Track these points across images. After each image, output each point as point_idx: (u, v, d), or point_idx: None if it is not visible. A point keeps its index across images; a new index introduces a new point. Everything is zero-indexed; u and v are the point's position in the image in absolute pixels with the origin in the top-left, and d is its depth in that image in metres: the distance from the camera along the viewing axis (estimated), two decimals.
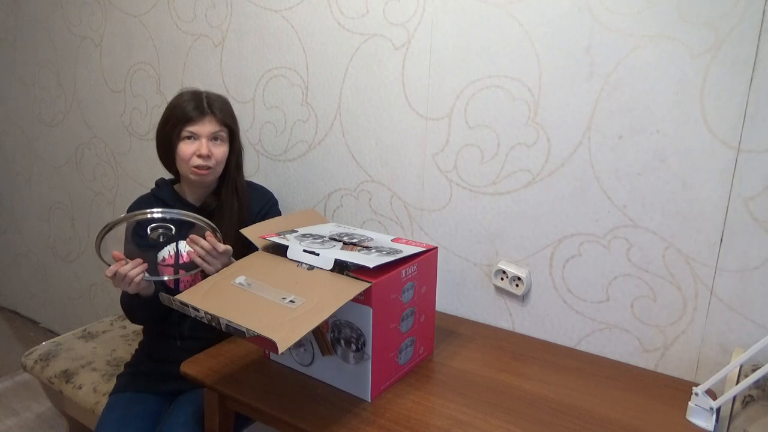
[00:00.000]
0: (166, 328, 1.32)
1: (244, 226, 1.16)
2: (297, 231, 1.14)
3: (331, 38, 1.42)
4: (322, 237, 1.10)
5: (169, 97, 1.29)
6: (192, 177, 1.25)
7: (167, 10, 1.74)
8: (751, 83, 0.95)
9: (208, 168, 1.24)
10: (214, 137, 1.24)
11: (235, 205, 1.30)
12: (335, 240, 1.09)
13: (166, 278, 1.23)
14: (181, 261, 1.27)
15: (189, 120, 1.22)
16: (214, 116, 1.24)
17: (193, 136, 1.23)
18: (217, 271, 1.12)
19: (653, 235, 1.08)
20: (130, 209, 1.32)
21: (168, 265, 1.27)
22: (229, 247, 1.14)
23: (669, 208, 1.06)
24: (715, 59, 0.98)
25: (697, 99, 1.00)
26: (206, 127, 1.23)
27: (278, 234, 1.10)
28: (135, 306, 1.22)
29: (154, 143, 1.29)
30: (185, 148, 1.23)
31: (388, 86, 1.35)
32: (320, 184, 1.53)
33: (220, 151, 1.25)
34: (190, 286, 1.27)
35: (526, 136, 1.19)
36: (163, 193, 1.32)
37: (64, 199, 2.32)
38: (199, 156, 1.22)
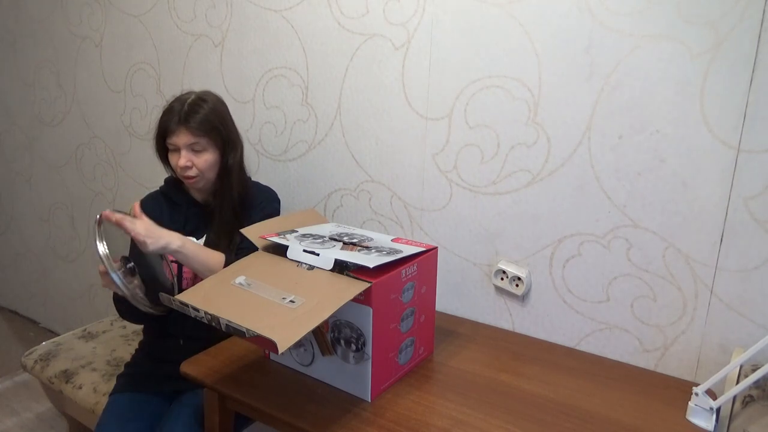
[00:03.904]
0: (168, 328, 1.32)
1: (245, 226, 1.16)
2: (297, 231, 1.14)
3: (331, 38, 1.42)
4: (322, 237, 1.10)
5: (169, 97, 1.30)
6: (186, 183, 1.28)
7: (167, 10, 1.74)
8: (751, 83, 0.95)
9: (193, 177, 1.25)
10: (192, 148, 1.24)
11: (231, 205, 1.30)
12: (335, 240, 1.09)
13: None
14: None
15: (166, 132, 1.24)
16: (188, 128, 1.22)
17: (174, 147, 1.25)
18: (151, 238, 1.09)
19: (653, 235, 1.08)
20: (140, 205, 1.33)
21: (174, 261, 1.27)
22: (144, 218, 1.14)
23: (669, 208, 1.06)
24: (715, 59, 0.98)
25: (697, 99, 1.00)
26: (182, 138, 1.23)
27: (278, 234, 1.10)
28: (124, 302, 1.21)
29: (154, 143, 1.30)
30: (171, 159, 1.26)
31: (388, 86, 1.35)
32: (320, 184, 1.53)
33: (201, 160, 1.25)
34: (192, 284, 1.28)
35: (526, 136, 1.19)
36: (172, 192, 1.34)
37: (64, 199, 2.32)
38: (180, 167, 1.24)
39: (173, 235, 1.14)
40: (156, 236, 1.10)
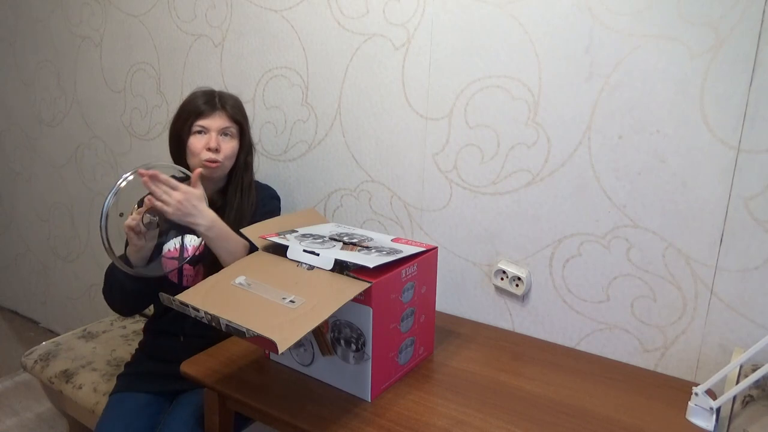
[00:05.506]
0: (168, 326, 1.32)
1: (248, 223, 1.16)
2: (297, 231, 1.14)
3: (331, 38, 1.42)
4: (322, 237, 1.10)
5: (169, 97, 1.30)
6: (202, 171, 1.26)
7: (167, 10, 1.74)
8: (751, 83, 0.95)
9: (217, 162, 1.25)
10: (224, 132, 1.28)
11: (237, 203, 1.31)
12: (335, 240, 1.09)
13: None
14: (185, 255, 1.28)
15: (200, 114, 1.26)
16: (225, 112, 1.28)
17: (203, 130, 1.26)
18: (177, 211, 1.10)
19: (653, 235, 1.08)
20: (140, 203, 1.33)
21: (172, 258, 1.27)
22: (191, 189, 1.13)
23: (669, 208, 1.06)
24: (715, 59, 0.98)
25: (697, 99, 1.00)
26: (216, 121, 1.26)
27: (278, 234, 1.10)
28: (120, 280, 1.22)
29: (154, 143, 1.31)
30: (195, 142, 1.26)
31: (388, 86, 1.35)
32: (320, 184, 1.53)
33: (229, 146, 1.28)
34: (193, 281, 1.28)
35: (526, 136, 1.19)
36: None
37: (64, 199, 2.32)
38: (209, 149, 1.24)
39: (205, 217, 1.13)
40: (184, 211, 1.10)
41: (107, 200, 1.10)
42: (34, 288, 2.61)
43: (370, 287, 0.91)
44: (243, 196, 1.32)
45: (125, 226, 1.12)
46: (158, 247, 1.23)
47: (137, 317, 1.89)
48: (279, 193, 1.44)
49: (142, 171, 1.10)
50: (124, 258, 1.18)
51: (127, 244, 1.16)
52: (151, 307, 1.41)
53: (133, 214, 1.12)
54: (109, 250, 1.12)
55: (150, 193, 1.10)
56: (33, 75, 2.28)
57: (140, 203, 1.17)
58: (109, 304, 1.30)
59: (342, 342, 0.98)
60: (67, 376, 1.54)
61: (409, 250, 1.05)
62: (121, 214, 1.13)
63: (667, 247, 1.07)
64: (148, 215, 1.13)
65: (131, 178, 1.14)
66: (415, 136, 1.34)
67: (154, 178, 1.10)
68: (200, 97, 1.28)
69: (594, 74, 1.09)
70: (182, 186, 1.12)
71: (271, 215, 1.28)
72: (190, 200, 1.12)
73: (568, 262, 1.19)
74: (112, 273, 1.25)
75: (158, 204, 1.10)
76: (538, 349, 1.20)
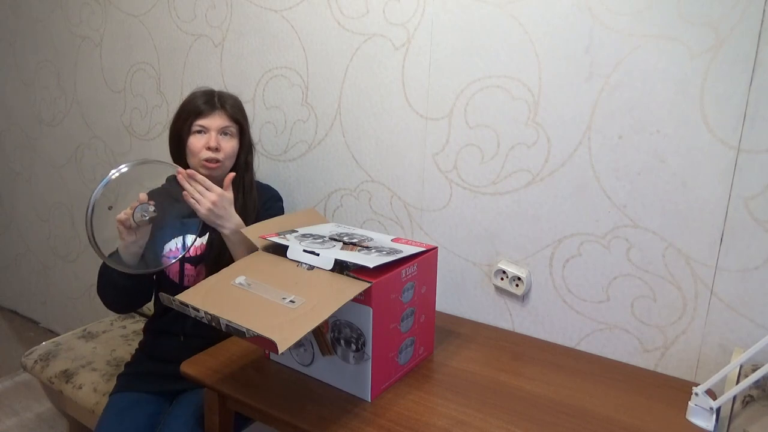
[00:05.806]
0: (168, 326, 1.32)
1: (251, 223, 1.17)
2: (297, 231, 1.14)
3: (331, 38, 1.42)
4: (322, 237, 1.10)
5: (169, 97, 1.30)
6: (202, 171, 1.27)
7: (167, 10, 1.74)
8: (751, 83, 0.95)
9: (217, 161, 1.25)
10: (223, 132, 1.28)
11: (240, 203, 1.31)
12: (335, 240, 1.09)
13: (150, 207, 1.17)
14: (185, 255, 1.28)
15: (200, 114, 1.26)
16: (225, 111, 1.28)
17: (203, 130, 1.26)
18: (209, 212, 1.14)
19: (653, 235, 1.08)
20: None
21: (173, 258, 1.27)
22: (224, 193, 1.16)
23: (669, 208, 1.06)
24: (715, 59, 0.98)
25: (697, 99, 1.00)
26: (216, 121, 1.26)
27: (278, 234, 1.10)
28: (112, 277, 1.24)
29: (153, 143, 1.30)
30: (195, 142, 1.26)
31: (388, 86, 1.35)
32: (320, 184, 1.53)
33: (229, 145, 1.28)
34: (194, 281, 1.28)
35: (526, 136, 1.19)
36: (175, 189, 1.33)
37: (64, 199, 2.32)
38: (209, 148, 1.24)
39: (233, 221, 1.18)
40: (216, 212, 1.15)
41: (95, 191, 1.10)
42: (34, 288, 2.61)
43: (370, 287, 0.91)
44: (245, 196, 1.32)
45: (116, 220, 1.13)
46: (152, 245, 1.23)
47: (137, 317, 1.89)
48: (279, 193, 1.44)
49: (180, 169, 1.15)
50: (116, 254, 1.18)
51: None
52: (151, 306, 1.41)
53: (127, 209, 1.12)
54: (94, 243, 1.12)
55: (183, 190, 1.15)
56: (33, 75, 2.28)
57: None
58: (102, 301, 1.31)
59: (342, 342, 0.98)
60: (67, 376, 1.54)
61: (409, 250, 1.05)
62: (110, 208, 1.14)
63: (667, 247, 1.07)
64: (139, 211, 1.12)
65: (125, 170, 1.14)
66: (415, 136, 1.34)
67: (190, 177, 1.14)
68: (200, 97, 1.28)
69: (594, 74, 1.09)
70: (216, 188, 1.15)
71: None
72: (222, 203, 1.16)
73: (568, 262, 1.19)
74: (104, 269, 1.25)
75: (191, 202, 1.14)
76: (538, 349, 1.20)
